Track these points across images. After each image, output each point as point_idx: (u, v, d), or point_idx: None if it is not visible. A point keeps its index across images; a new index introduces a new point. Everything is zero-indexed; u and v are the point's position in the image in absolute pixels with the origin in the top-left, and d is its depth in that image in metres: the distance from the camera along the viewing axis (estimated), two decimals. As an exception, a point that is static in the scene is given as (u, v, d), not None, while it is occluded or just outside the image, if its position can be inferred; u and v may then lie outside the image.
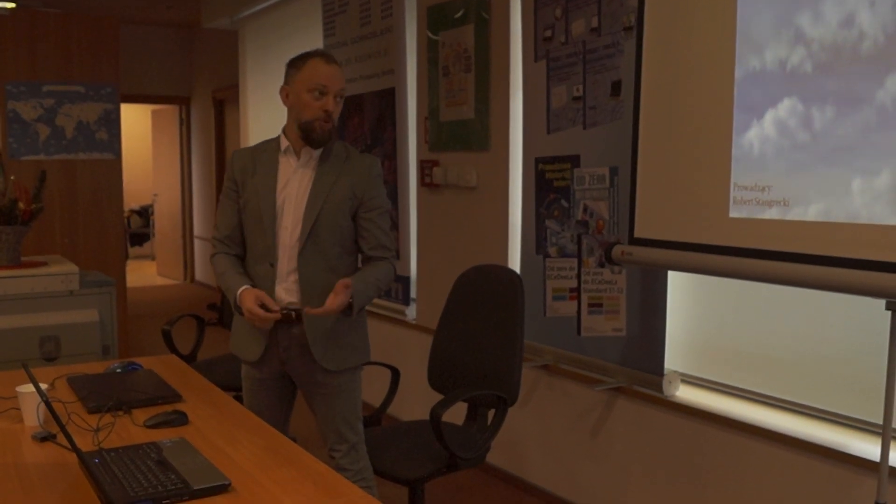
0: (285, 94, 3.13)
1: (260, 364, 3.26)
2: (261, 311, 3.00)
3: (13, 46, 6.95)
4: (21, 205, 4.60)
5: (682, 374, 3.87)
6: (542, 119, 4.34)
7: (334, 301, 2.95)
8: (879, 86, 2.61)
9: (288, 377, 3.27)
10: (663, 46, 3.41)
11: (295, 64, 3.12)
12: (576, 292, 4.01)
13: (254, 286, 3.13)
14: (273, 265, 3.14)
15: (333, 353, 3.17)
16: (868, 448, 3.08)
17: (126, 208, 13.64)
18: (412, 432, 3.63)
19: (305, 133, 3.10)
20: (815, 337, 3.33)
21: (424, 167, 5.39)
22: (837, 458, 3.13)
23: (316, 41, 6.56)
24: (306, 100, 3.06)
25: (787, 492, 3.33)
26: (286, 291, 3.14)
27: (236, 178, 3.25)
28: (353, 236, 3.17)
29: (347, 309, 3.02)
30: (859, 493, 3.07)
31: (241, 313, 3.08)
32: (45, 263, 4.87)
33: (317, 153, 3.15)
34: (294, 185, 3.14)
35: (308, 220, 3.10)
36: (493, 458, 4.79)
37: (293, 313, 3.12)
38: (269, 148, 3.22)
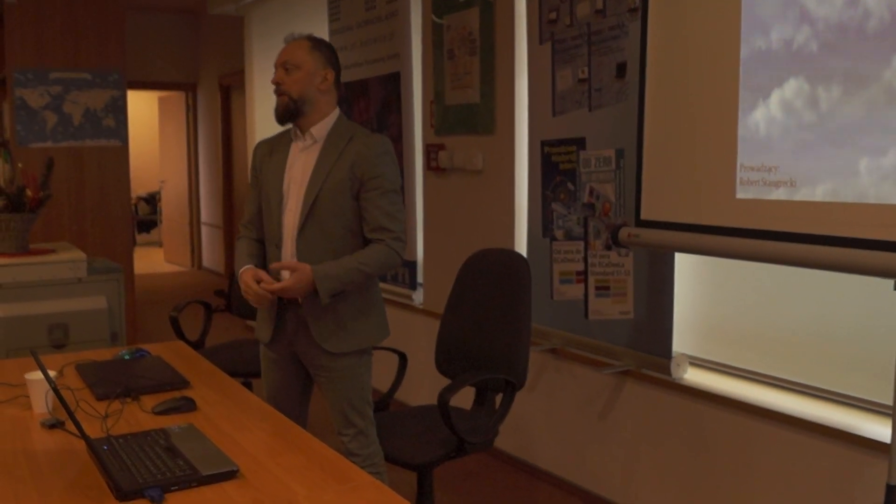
0: None
1: (272, 345, 3.31)
2: (255, 286, 3.08)
3: (20, 34, 6.96)
4: (29, 192, 4.60)
5: (691, 357, 3.86)
6: (547, 102, 4.33)
7: (288, 280, 3.05)
8: (886, 64, 2.59)
9: (300, 359, 3.29)
10: (668, 27, 3.39)
11: None
12: (583, 275, 4.00)
13: (262, 266, 3.23)
14: (279, 247, 3.16)
15: (335, 336, 3.17)
16: (878, 429, 3.08)
17: (133, 195, 13.64)
18: (420, 417, 3.64)
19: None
20: (823, 318, 3.32)
21: (430, 151, 5.38)
22: (848, 439, 3.12)
23: (321, 26, 6.55)
24: None
25: (797, 474, 3.32)
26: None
27: (256, 166, 3.35)
28: (357, 217, 3.16)
29: (317, 294, 3.07)
30: (870, 475, 3.06)
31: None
32: (52, 251, 4.88)
33: (321, 135, 3.17)
34: (298, 167, 3.17)
35: (307, 202, 3.11)
36: (502, 442, 4.79)
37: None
38: (287, 134, 3.29)
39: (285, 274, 3.14)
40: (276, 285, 3.06)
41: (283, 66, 3.13)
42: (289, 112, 3.14)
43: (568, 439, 4.47)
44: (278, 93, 3.13)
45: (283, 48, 3.17)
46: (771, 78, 2.95)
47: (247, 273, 3.13)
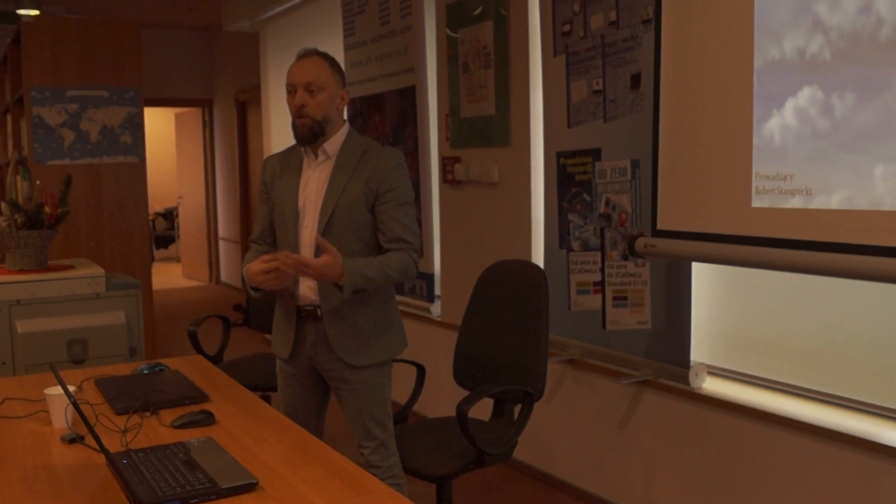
0: None
1: (290, 360, 3.30)
2: (268, 265, 2.97)
3: (37, 53, 7.00)
4: (47, 209, 4.63)
5: (709, 366, 3.85)
6: (562, 113, 4.34)
7: (319, 260, 2.95)
8: (901, 72, 2.59)
9: (319, 373, 3.29)
10: (681, 38, 3.40)
11: None
12: (600, 286, 4.00)
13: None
14: None
15: (357, 349, 3.18)
16: (897, 437, 3.07)
17: (151, 211, 13.71)
18: (439, 429, 3.64)
19: (293, 133, 3.15)
20: (841, 325, 3.31)
21: (446, 164, 5.40)
22: (867, 447, 3.11)
23: (336, 41, 6.58)
24: (287, 100, 3.16)
25: (816, 482, 3.31)
26: (310, 289, 3.16)
27: (267, 182, 3.33)
28: (373, 230, 3.17)
29: (339, 287, 3.00)
30: (890, 482, 3.05)
31: (255, 290, 3.11)
32: (71, 266, 4.91)
33: (333, 151, 3.17)
34: (313, 184, 3.18)
35: (323, 218, 3.12)
36: (520, 453, 4.78)
37: (318, 310, 3.15)
38: (297, 150, 3.27)
39: (306, 292, 3.15)
40: (307, 259, 2.98)
41: (305, 87, 3.09)
42: (313, 134, 3.12)
43: (587, 450, 4.46)
44: (301, 115, 3.09)
45: (301, 68, 3.12)
46: (785, 86, 2.95)
47: (254, 264, 3.02)
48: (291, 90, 3.12)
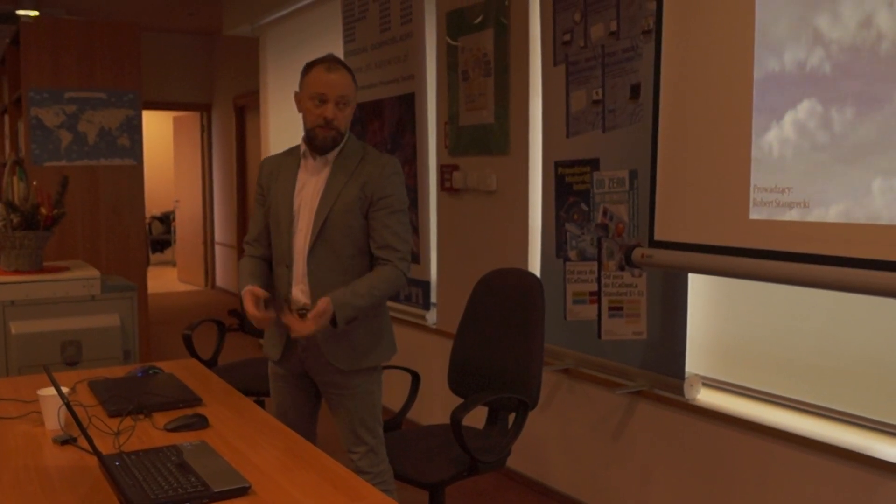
0: (297, 100, 3.18)
1: (282, 362, 3.30)
2: (258, 313, 3.05)
3: (36, 54, 7.00)
4: (43, 210, 4.62)
5: (704, 378, 3.85)
6: (561, 123, 4.34)
7: (307, 324, 3.01)
8: (900, 86, 2.60)
9: (310, 376, 3.29)
10: (682, 49, 3.40)
11: (304, 70, 3.17)
12: (596, 296, 4.00)
13: (266, 287, 3.18)
14: (289, 267, 3.17)
15: (346, 354, 3.17)
16: (892, 451, 3.06)
17: (147, 214, 13.71)
18: (433, 436, 3.63)
19: (309, 139, 3.14)
20: (837, 339, 3.31)
21: (444, 172, 5.39)
22: (861, 461, 3.11)
23: (336, 47, 6.58)
24: (308, 107, 3.11)
25: (810, 495, 3.31)
26: (302, 293, 3.16)
27: (263, 184, 3.32)
28: (366, 235, 3.16)
29: (334, 322, 3.04)
30: (883, 496, 3.05)
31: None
32: (67, 268, 4.90)
33: (332, 155, 3.17)
34: (309, 188, 3.17)
35: (318, 222, 3.12)
36: (514, 462, 4.78)
37: (308, 314, 3.14)
38: (294, 153, 3.27)
39: (298, 296, 3.15)
40: (304, 331, 3.02)
41: (336, 101, 3.07)
42: (335, 145, 3.14)
43: (581, 459, 4.46)
44: (330, 127, 3.08)
45: (336, 81, 3.08)
46: (784, 99, 2.96)
47: (246, 296, 3.08)
48: (323, 100, 3.08)
